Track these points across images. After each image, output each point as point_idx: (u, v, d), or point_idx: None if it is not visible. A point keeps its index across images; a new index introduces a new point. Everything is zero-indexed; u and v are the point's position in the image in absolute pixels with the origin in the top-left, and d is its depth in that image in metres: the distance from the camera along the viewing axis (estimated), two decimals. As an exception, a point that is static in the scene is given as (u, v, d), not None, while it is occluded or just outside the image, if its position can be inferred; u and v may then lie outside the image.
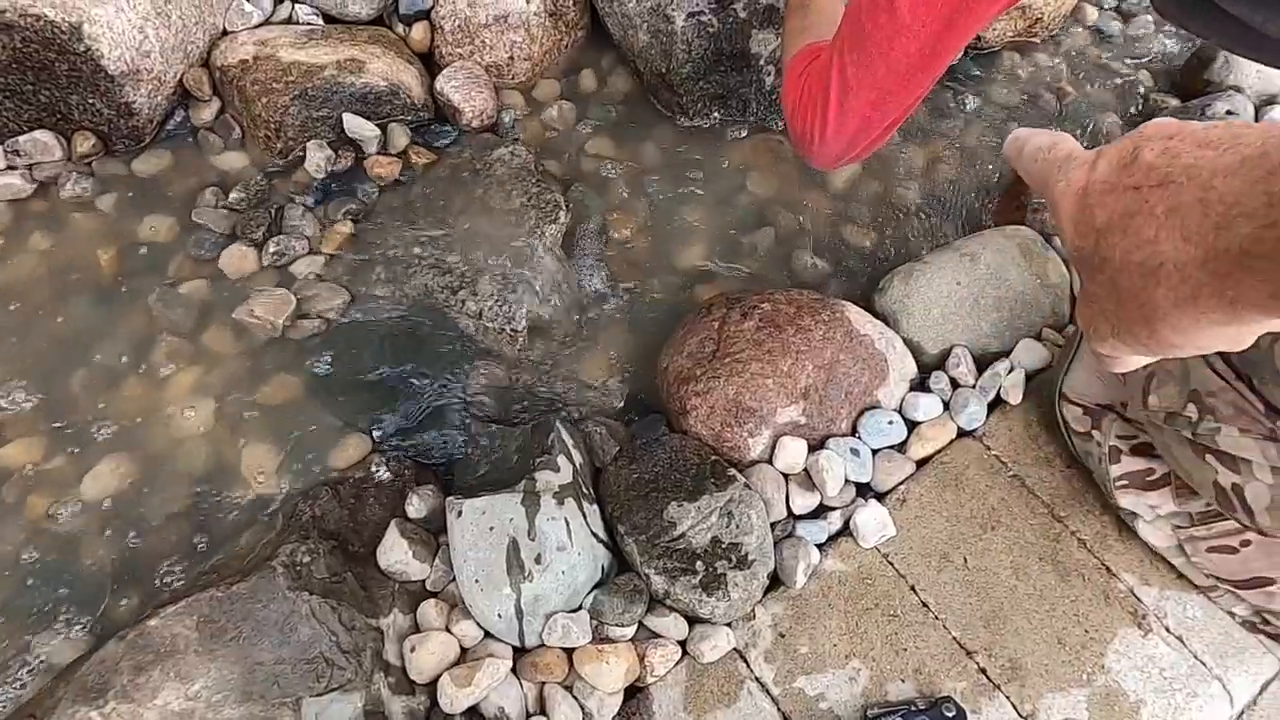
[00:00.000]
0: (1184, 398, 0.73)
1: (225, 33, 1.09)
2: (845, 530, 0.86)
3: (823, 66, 0.75)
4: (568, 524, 0.76)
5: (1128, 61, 1.30)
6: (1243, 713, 0.80)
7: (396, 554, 0.78)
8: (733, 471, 0.83)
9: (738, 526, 0.79)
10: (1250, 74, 1.18)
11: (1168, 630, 0.81)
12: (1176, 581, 0.84)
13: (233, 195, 1.01)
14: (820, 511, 0.87)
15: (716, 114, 1.18)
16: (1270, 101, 1.17)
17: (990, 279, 0.96)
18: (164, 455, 0.87)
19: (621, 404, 0.97)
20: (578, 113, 1.20)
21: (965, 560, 0.84)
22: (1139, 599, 0.83)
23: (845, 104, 0.73)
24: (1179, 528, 0.81)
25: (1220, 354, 0.70)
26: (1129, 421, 0.82)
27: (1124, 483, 0.82)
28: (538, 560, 0.74)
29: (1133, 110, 1.25)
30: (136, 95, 1.00)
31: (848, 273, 1.08)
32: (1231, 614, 0.82)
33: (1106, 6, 1.36)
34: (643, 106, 1.21)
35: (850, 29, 0.69)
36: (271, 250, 0.96)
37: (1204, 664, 0.80)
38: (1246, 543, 0.76)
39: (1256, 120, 1.14)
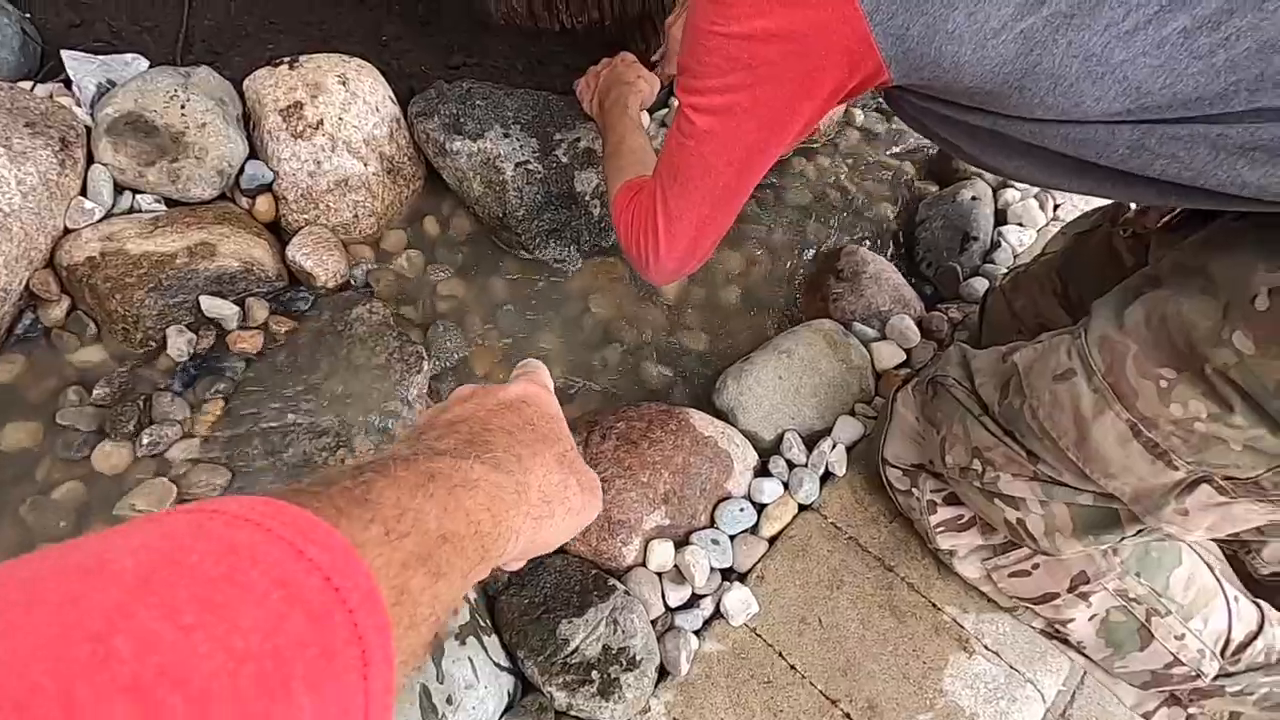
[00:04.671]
0: (970, 455, 0.90)
1: (67, 230, 1.12)
2: (717, 613, 0.98)
3: (648, 199, 0.89)
4: (471, 662, 0.84)
5: (893, 155, 1.54)
6: (1064, 711, 0.97)
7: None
8: (613, 581, 0.94)
9: (624, 631, 0.90)
10: (986, 160, 1.44)
11: (986, 648, 0.98)
12: (989, 606, 1.01)
13: (96, 392, 1.04)
14: (693, 601, 0.98)
15: (554, 245, 1.31)
16: (1004, 184, 1.42)
17: (806, 369, 1.13)
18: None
19: (505, 531, 1.06)
20: (426, 258, 1.30)
21: (820, 620, 0.98)
22: (961, 626, 0.99)
23: (672, 230, 0.87)
24: (986, 559, 0.98)
25: (989, 415, 0.88)
26: (938, 477, 0.99)
27: (941, 529, 0.99)
28: (449, 701, 0.82)
29: (903, 196, 1.48)
30: (-19, 307, 1.01)
31: (688, 375, 1.23)
32: (1032, 626, 0.99)
33: (870, 109, 1.61)
34: (486, 245, 1.32)
35: (668, 168, 0.83)
36: (145, 442, 1.00)
37: (1018, 671, 0.97)
38: (1036, 566, 0.94)
39: (995, 199, 1.39)
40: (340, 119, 1.23)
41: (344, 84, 1.25)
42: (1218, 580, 0.92)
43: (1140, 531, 0.79)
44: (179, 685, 0.18)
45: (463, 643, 0.85)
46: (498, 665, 0.87)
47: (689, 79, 0.75)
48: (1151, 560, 0.90)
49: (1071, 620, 0.93)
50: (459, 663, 0.83)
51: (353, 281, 1.24)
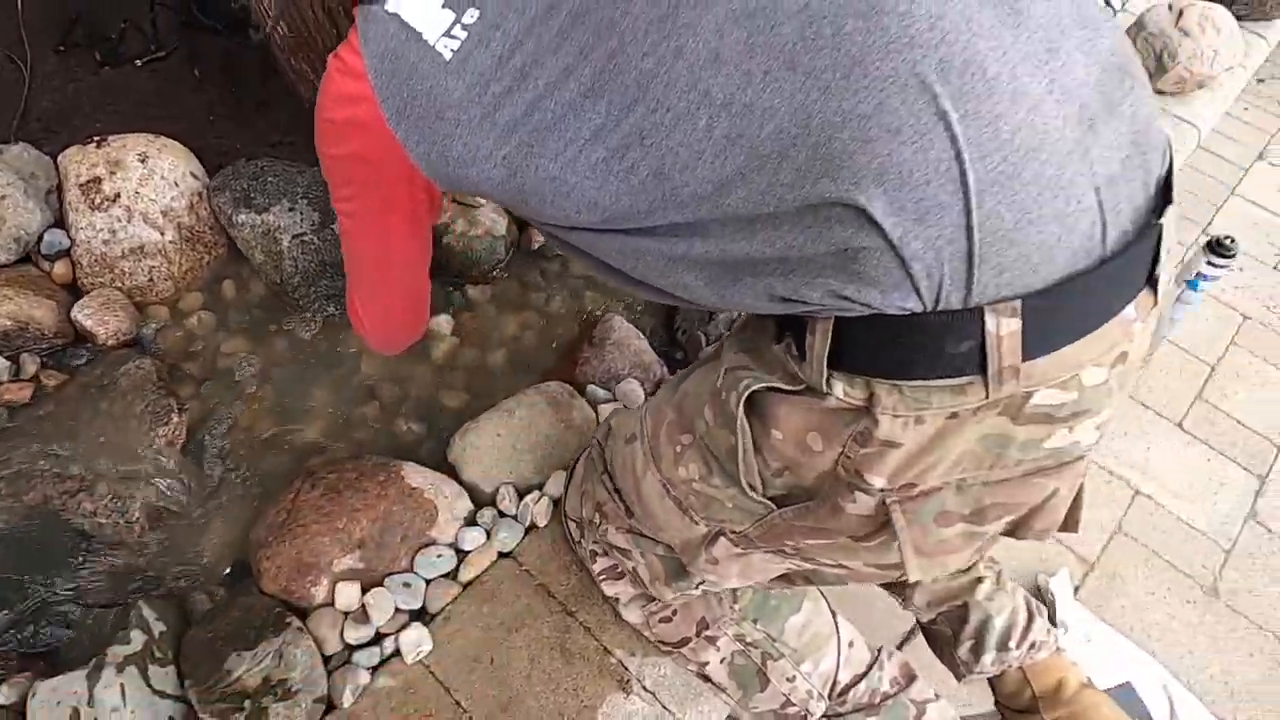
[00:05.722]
0: (594, 509, 1.00)
1: None
2: (398, 651, 1.06)
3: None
4: (123, 688, 0.93)
5: (683, 230, 1.66)
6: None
7: (-20, 740, 0.92)
8: (291, 618, 1.03)
9: (286, 664, 0.98)
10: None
11: (644, 689, 1.06)
12: (654, 650, 1.09)
13: None
14: (378, 639, 1.07)
15: (332, 309, 1.43)
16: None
17: (524, 428, 1.23)
18: None
19: (228, 571, 1.15)
20: (218, 319, 1.41)
21: (492, 659, 1.06)
22: (626, 668, 1.07)
23: (364, 309, 0.99)
24: (644, 606, 1.06)
25: (608, 474, 0.98)
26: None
27: (603, 577, 1.08)
28: (95, 723, 0.90)
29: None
30: None
31: (440, 432, 1.33)
32: (690, 670, 1.07)
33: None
34: (275, 308, 1.44)
35: (345, 261, 0.95)
36: (-110, 483, 1.10)
37: (670, 711, 1.04)
38: (675, 613, 1.02)
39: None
40: (137, 193, 1.37)
41: (143, 161, 1.38)
42: (836, 627, 1.00)
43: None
44: None
45: (120, 670, 0.94)
46: (158, 693, 0.95)
47: (330, 187, 0.87)
48: (770, 608, 0.99)
49: (707, 663, 1.01)
50: (110, 689, 0.92)
51: (141, 339, 1.36)
